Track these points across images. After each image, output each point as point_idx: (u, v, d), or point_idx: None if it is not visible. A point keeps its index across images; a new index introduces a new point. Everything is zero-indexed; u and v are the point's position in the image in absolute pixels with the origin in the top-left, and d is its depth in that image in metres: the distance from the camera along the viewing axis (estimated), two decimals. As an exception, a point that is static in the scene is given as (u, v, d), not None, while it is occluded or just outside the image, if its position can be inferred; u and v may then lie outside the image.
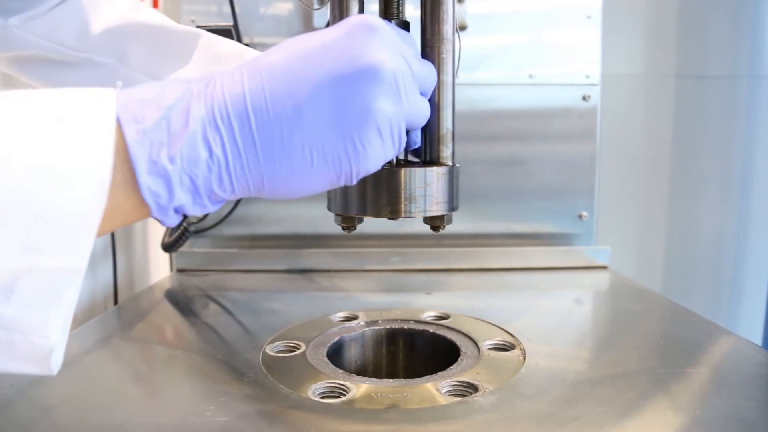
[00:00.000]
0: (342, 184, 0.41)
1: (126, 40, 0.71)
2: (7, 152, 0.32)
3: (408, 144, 0.62)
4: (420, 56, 0.45)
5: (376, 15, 0.47)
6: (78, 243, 0.32)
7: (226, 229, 1.09)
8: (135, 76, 0.71)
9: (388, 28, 0.41)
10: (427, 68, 0.46)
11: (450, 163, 0.56)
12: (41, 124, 0.33)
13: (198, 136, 0.36)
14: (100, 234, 0.34)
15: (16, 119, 0.33)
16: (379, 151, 0.40)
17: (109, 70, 0.71)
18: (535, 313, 0.83)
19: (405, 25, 0.57)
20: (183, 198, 0.36)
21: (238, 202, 1.07)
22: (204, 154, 0.36)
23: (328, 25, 0.64)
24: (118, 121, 0.35)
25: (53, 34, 0.69)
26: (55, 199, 0.32)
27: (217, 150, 0.36)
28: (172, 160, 0.35)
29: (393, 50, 0.40)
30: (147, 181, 0.35)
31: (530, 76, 1.08)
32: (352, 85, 0.38)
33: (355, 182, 0.42)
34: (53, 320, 0.32)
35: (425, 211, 0.55)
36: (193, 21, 1.04)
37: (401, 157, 0.60)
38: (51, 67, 0.71)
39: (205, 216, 1.07)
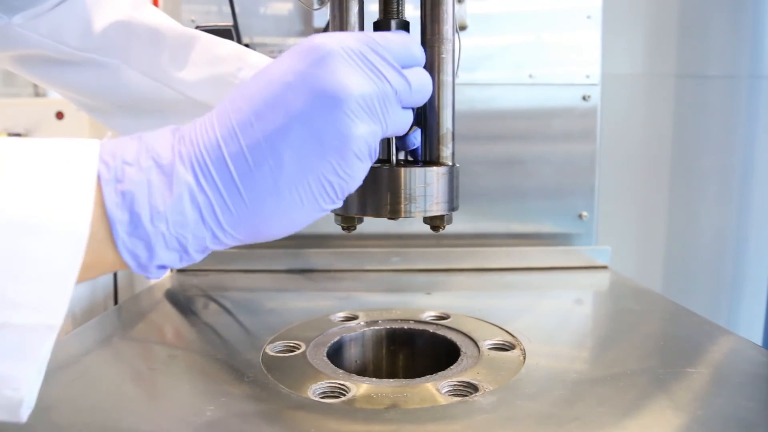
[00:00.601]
0: (331, 209, 0.41)
1: (128, 40, 0.71)
2: None
3: (407, 144, 0.62)
4: (410, 60, 0.43)
5: (337, 33, 0.43)
6: (53, 300, 0.32)
7: (226, 229, 1.09)
8: (135, 76, 0.71)
9: (350, 43, 0.39)
10: (415, 76, 0.43)
11: (450, 163, 0.56)
12: (21, 177, 0.33)
13: (185, 198, 0.36)
14: (81, 281, 0.34)
15: None
16: (361, 170, 0.40)
17: (110, 71, 0.71)
18: (535, 313, 0.83)
19: (405, 25, 0.57)
20: (167, 258, 0.36)
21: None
22: (193, 216, 0.36)
23: (328, 25, 0.64)
24: (99, 179, 0.34)
25: (56, 32, 0.69)
26: (32, 256, 0.32)
27: (207, 212, 0.36)
28: (154, 222, 0.35)
29: (358, 71, 0.39)
30: (126, 243, 0.35)
31: (530, 76, 1.08)
32: (323, 117, 0.37)
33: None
34: (24, 374, 0.33)
35: (425, 211, 0.55)
36: (193, 21, 1.04)
37: (401, 157, 0.60)
38: (53, 66, 0.72)
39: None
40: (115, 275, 1.07)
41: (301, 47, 0.39)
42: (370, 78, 0.39)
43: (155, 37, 0.71)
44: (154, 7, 0.76)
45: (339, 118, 0.37)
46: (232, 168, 0.36)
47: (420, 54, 0.44)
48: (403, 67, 0.42)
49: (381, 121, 0.40)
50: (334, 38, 0.39)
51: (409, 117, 0.44)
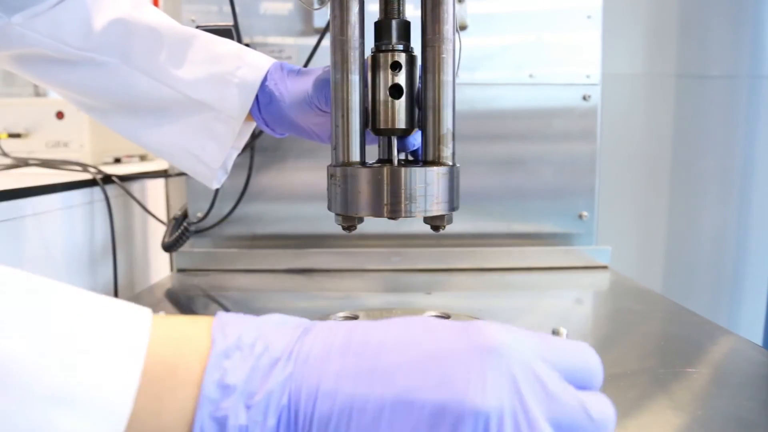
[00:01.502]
0: None
1: (127, 39, 0.71)
2: (26, 379, 0.29)
3: (407, 146, 0.62)
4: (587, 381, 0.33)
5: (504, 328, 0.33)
6: None
7: (227, 229, 1.09)
8: (135, 75, 0.71)
9: (530, 355, 0.31)
10: (597, 405, 0.32)
11: (450, 163, 0.56)
12: (65, 348, 0.30)
13: (271, 408, 0.31)
14: None
15: (39, 338, 0.30)
16: None
17: (110, 70, 0.71)
18: (535, 313, 0.83)
19: (405, 25, 0.57)
20: None
21: (238, 202, 1.07)
22: (271, 424, 0.31)
23: (328, 25, 0.64)
24: (213, 341, 0.32)
25: (56, 31, 0.69)
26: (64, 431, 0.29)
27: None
28: (237, 415, 0.31)
29: (519, 392, 0.30)
30: (204, 424, 0.31)
31: (530, 76, 1.08)
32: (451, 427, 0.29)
33: None
34: None
35: (425, 211, 0.55)
36: (193, 21, 1.04)
37: (401, 157, 0.60)
38: (53, 66, 0.71)
39: (206, 216, 1.07)
40: (115, 275, 1.07)
41: (467, 328, 0.32)
42: (528, 395, 0.30)
43: (154, 35, 0.71)
44: (153, 6, 0.76)
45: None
46: (318, 399, 0.31)
47: (601, 375, 0.34)
48: (579, 388, 0.32)
49: None
50: (515, 338, 0.31)
51: None
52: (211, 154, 0.73)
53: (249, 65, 0.70)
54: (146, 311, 0.33)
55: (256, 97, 0.69)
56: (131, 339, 0.31)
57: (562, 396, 0.30)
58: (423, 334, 0.32)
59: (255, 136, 1.04)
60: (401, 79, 0.55)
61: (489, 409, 0.29)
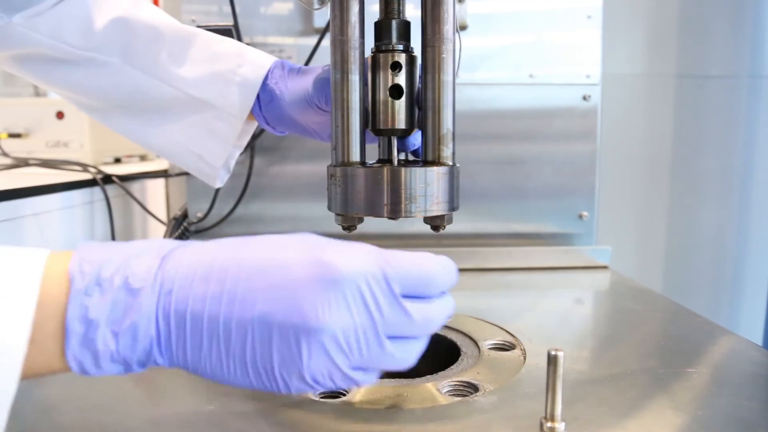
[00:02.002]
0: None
1: (127, 38, 0.71)
2: None
3: (407, 146, 0.62)
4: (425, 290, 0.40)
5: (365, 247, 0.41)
6: None
7: (227, 229, 1.09)
8: (135, 74, 0.71)
9: (364, 269, 0.38)
10: (421, 312, 0.40)
11: (450, 163, 0.56)
12: None
13: (140, 328, 0.37)
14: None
15: None
16: (306, 389, 0.39)
17: (111, 69, 0.71)
18: (535, 313, 0.83)
19: (405, 25, 0.57)
20: (110, 369, 0.38)
21: (238, 202, 1.07)
22: (143, 345, 0.37)
23: (328, 25, 0.64)
24: (70, 283, 0.36)
25: (57, 31, 0.69)
26: None
27: (155, 347, 0.38)
28: (105, 341, 0.36)
29: (350, 306, 0.38)
30: (76, 352, 0.37)
31: (531, 76, 1.08)
32: (289, 337, 0.37)
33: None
34: None
35: (425, 210, 0.55)
36: (193, 21, 1.04)
37: (401, 157, 0.60)
38: (54, 66, 0.71)
39: (206, 216, 1.07)
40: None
41: (312, 256, 0.39)
42: (359, 313, 0.38)
43: (154, 34, 0.71)
44: (152, 5, 0.76)
45: (301, 347, 0.37)
46: (188, 324, 0.37)
47: (442, 282, 0.41)
48: (414, 297, 0.40)
49: (349, 356, 0.38)
50: (350, 264, 0.38)
51: (400, 352, 0.40)
52: (214, 153, 0.73)
53: (250, 63, 0.70)
54: (40, 254, 0.37)
55: (258, 95, 0.69)
56: (24, 284, 0.35)
57: (390, 310, 0.38)
58: (276, 263, 0.39)
59: (255, 136, 1.04)
60: (401, 79, 0.55)
61: (333, 328, 0.37)
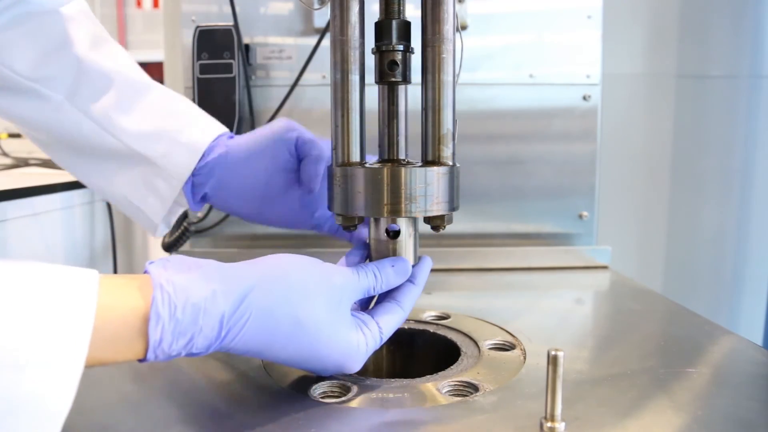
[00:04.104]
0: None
1: (77, 79, 0.68)
2: None
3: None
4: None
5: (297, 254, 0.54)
6: None
7: (227, 229, 1.09)
8: (77, 116, 0.68)
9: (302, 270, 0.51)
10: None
11: (450, 163, 0.56)
12: (14, 309, 0.35)
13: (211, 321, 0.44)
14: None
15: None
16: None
17: (52, 105, 0.68)
18: (535, 313, 0.83)
19: (405, 26, 0.57)
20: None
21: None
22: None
23: (328, 25, 0.64)
24: (154, 296, 0.42)
25: (4, 55, 0.66)
26: (23, 397, 0.34)
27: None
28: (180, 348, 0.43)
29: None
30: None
31: (531, 76, 1.08)
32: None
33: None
34: None
35: (426, 210, 0.55)
36: (193, 21, 1.04)
37: (402, 156, 0.60)
38: None
39: (206, 215, 1.07)
40: (115, 272, 1.07)
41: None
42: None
43: (106, 81, 0.69)
44: (116, 48, 0.73)
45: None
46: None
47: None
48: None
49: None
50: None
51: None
52: (153, 209, 0.71)
53: (202, 130, 0.69)
54: (93, 274, 0.40)
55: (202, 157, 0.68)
56: (80, 308, 0.38)
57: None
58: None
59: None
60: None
61: None
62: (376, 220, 0.58)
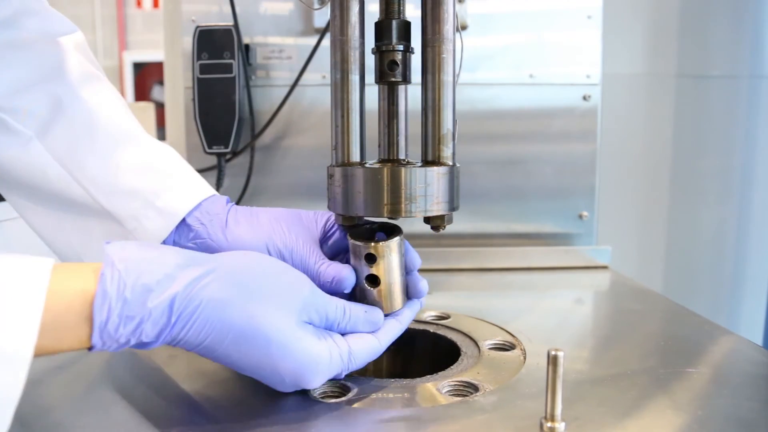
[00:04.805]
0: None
1: (55, 117, 0.61)
2: None
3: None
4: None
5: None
6: None
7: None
8: (45, 159, 0.60)
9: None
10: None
11: (450, 163, 0.56)
12: None
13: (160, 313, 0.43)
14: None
15: None
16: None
17: (20, 141, 0.60)
18: (535, 313, 0.83)
19: (405, 26, 0.57)
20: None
21: (238, 202, 1.07)
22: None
23: (328, 25, 0.64)
24: (102, 278, 0.41)
25: None
26: None
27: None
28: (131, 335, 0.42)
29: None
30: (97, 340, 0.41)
31: (531, 76, 1.08)
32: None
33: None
34: None
35: (425, 210, 0.55)
36: (193, 21, 1.04)
37: (402, 156, 0.60)
38: None
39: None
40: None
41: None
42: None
43: (86, 123, 0.62)
44: (107, 89, 0.65)
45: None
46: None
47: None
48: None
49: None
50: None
51: None
52: None
53: (181, 188, 0.61)
54: (46, 263, 0.39)
55: (180, 230, 0.59)
56: (28, 295, 0.37)
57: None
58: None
59: (256, 135, 1.04)
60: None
61: None
62: (358, 265, 0.56)
